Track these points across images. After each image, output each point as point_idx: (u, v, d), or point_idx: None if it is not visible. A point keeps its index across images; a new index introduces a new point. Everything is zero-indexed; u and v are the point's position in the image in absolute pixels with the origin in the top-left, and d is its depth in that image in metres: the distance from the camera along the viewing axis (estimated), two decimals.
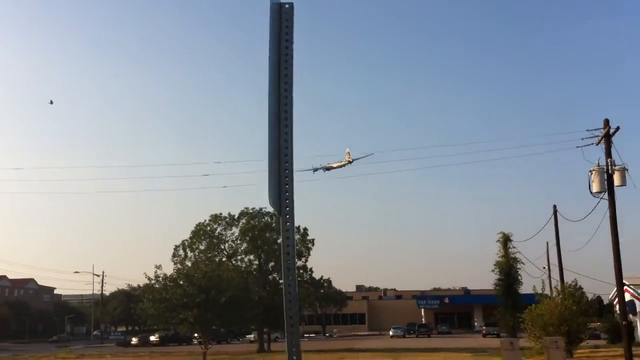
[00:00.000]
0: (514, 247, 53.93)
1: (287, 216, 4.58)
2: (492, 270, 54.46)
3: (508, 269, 53.16)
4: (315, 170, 62.76)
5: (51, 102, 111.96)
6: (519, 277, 53.89)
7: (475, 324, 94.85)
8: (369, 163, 71.66)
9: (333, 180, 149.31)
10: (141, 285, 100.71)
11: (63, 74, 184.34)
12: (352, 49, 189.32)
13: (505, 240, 53.59)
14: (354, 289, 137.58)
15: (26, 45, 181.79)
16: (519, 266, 53.99)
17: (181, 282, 30.57)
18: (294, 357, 4.52)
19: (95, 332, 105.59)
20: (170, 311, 30.89)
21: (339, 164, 61.36)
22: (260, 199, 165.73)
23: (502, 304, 53.02)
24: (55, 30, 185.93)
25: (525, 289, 54.02)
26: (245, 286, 50.78)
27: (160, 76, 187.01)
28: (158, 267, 33.41)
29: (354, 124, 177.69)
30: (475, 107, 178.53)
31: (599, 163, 28.31)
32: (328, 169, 61.56)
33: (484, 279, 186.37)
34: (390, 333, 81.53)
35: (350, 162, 59.90)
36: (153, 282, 31.95)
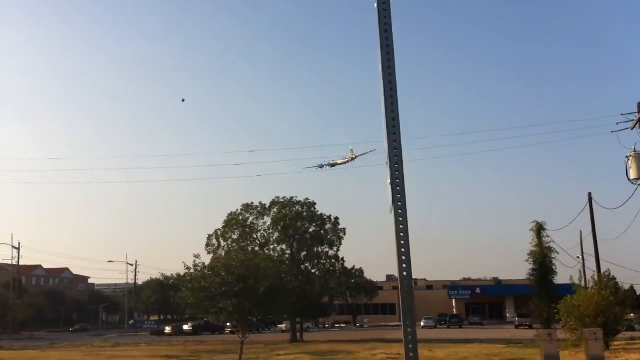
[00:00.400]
0: (548, 237, 53.12)
1: (399, 203, 4.81)
2: (526, 260, 53.74)
3: (542, 259, 52.32)
4: (322, 167, 66.69)
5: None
6: (554, 267, 53.13)
7: (507, 314, 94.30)
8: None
9: (363, 170, 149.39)
10: (175, 275, 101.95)
11: (86, 65, 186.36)
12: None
13: (539, 229, 52.60)
14: (384, 279, 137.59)
15: (43, 33, 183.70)
16: (553, 256, 53.26)
17: (220, 272, 30.79)
18: (410, 346, 4.78)
19: (130, 322, 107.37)
20: (209, 300, 31.24)
21: (343, 161, 65.09)
22: (291, 188, 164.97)
23: (537, 294, 52.22)
24: (73, 17, 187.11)
25: (560, 279, 53.53)
26: (281, 276, 51.42)
27: (189, 67, 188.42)
28: (197, 256, 33.63)
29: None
30: (506, 94, 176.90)
31: (635, 148, 27.40)
32: (333, 165, 65.91)
33: (516, 269, 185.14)
34: (422, 324, 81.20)
35: (353, 159, 62.83)
36: (191, 271, 32.27)
